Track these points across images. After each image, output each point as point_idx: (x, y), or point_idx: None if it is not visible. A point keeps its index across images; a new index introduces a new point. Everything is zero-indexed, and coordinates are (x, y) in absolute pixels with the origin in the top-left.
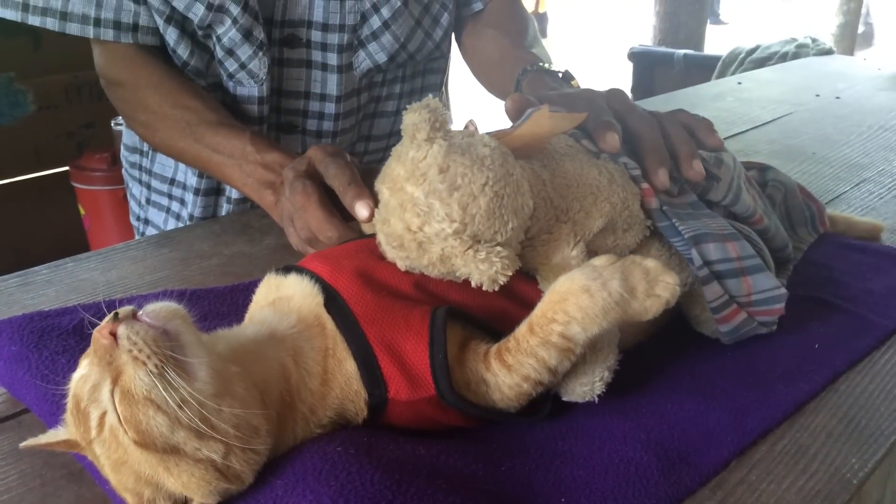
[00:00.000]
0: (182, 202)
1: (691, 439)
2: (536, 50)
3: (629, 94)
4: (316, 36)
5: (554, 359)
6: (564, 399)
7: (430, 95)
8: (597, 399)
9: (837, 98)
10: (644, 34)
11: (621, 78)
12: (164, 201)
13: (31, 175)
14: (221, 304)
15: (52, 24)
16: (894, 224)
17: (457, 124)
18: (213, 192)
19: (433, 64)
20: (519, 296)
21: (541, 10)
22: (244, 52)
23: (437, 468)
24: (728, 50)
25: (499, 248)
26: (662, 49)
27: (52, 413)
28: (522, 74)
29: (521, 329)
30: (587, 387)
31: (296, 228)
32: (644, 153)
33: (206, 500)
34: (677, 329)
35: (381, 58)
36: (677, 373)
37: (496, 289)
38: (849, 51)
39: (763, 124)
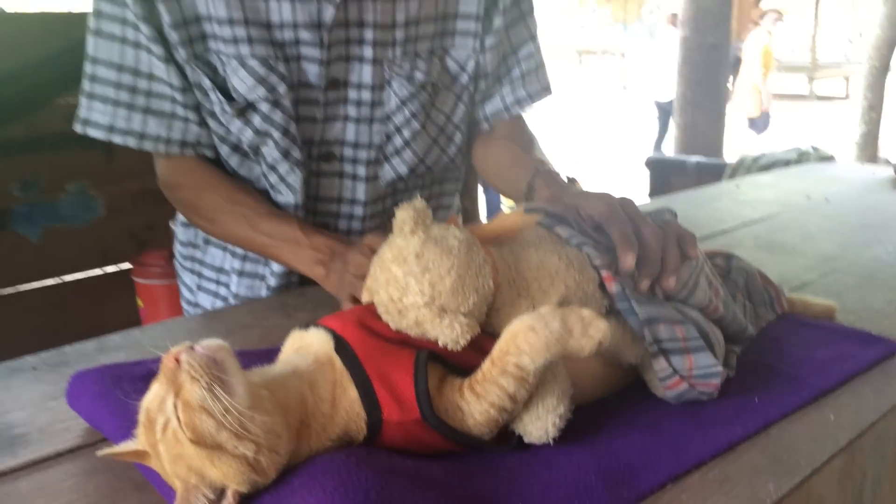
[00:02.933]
0: (227, 287)
1: (634, 466)
2: (539, 157)
3: (647, 198)
4: (348, 152)
5: (512, 386)
6: (525, 441)
7: (418, 197)
8: (552, 441)
9: (826, 200)
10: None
11: (639, 183)
12: (213, 287)
13: (96, 271)
14: (258, 361)
15: (131, 142)
16: (855, 309)
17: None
18: (255, 276)
19: (449, 174)
20: (486, 350)
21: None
22: (283, 167)
23: (419, 474)
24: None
25: (461, 317)
26: (676, 157)
27: (124, 438)
28: (534, 176)
29: (486, 363)
30: (542, 431)
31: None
32: (643, 259)
33: (239, 488)
34: (636, 382)
35: (403, 170)
36: (630, 415)
37: (458, 349)
38: (872, 158)
39: (751, 222)
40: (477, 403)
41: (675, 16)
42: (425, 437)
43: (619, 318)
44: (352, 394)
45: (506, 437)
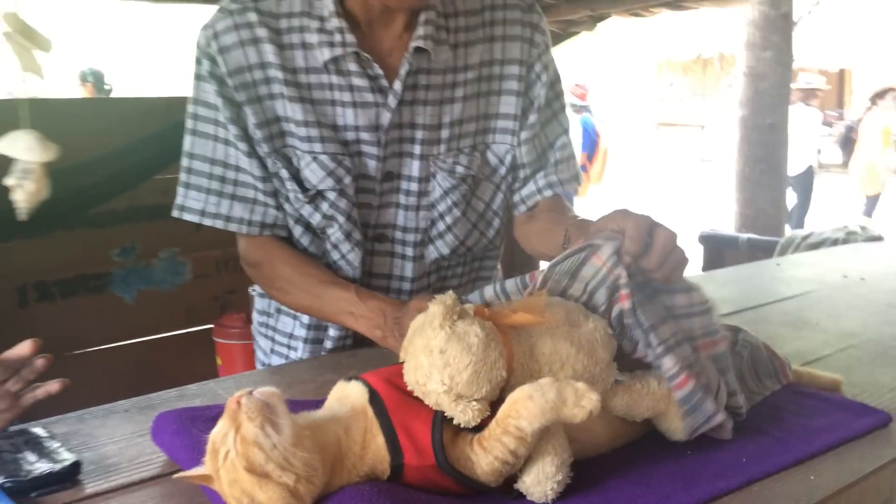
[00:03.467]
0: (296, 351)
1: None
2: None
3: (700, 272)
4: (398, 235)
5: (513, 444)
6: (528, 499)
7: (450, 293)
8: (550, 497)
9: (862, 279)
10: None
11: (693, 257)
12: (284, 350)
13: (181, 331)
14: (307, 409)
15: (219, 224)
16: (862, 382)
17: None
18: (317, 341)
19: (488, 253)
20: (494, 412)
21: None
22: (345, 247)
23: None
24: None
25: (474, 403)
26: (728, 233)
27: (196, 467)
28: (569, 227)
29: (492, 423)
30: (541, 494)
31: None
32: (653, 251)
33: None
34: (635, 442)
35: (445, 251)
36: (625, 468)
37: (470, 427)
38: None
39: (783, 299)
40: (484, 456)
41: (807, 91)
42: (439, 481)
43: (634, 376)
44: (379, 440)
45: (509, 485)
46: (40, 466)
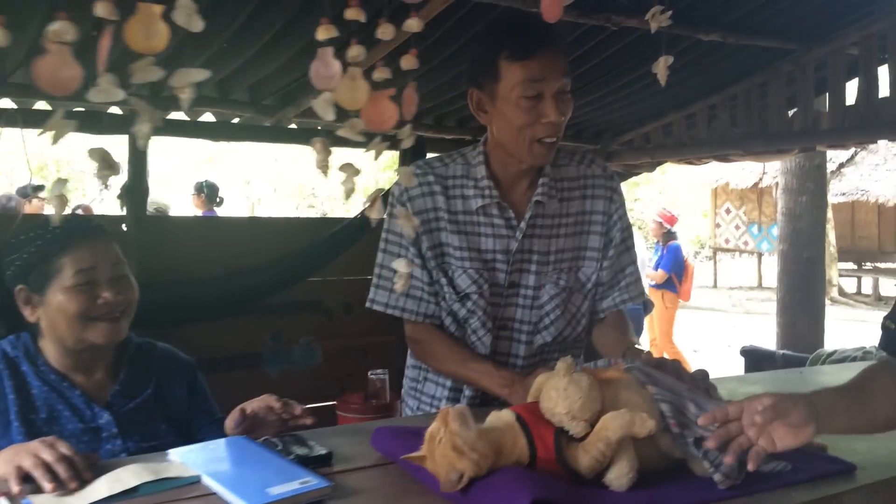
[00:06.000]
0: (437, 408)
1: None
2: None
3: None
4: (516, 326)
5: (603, 448)
6: (610, 486)
7: (570, 357)
8: (625, 487)
9: None
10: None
11: (735, 368)
12: (427, 408)
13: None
14: None
15: (396, 313)
16: (843, 449)
17: None
18: (455, 400)
19: (576, 343)
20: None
21: None
22: (481, 332)
23: (555, 478)
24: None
25: (583, 422)
26: (766, 348)
27: (404, 461)
28: (625, 351)
29: (591, 435)
30: (619, 484)
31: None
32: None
33: (468, 475)
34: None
35: (548, 339)
36: (665, 476)
37: (578, 437)
38: None
39: None
40: (585, 456)
41: None
42: (557, 471)
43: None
44: (522, 441)
45: (598, 479)
46: (300, 451)
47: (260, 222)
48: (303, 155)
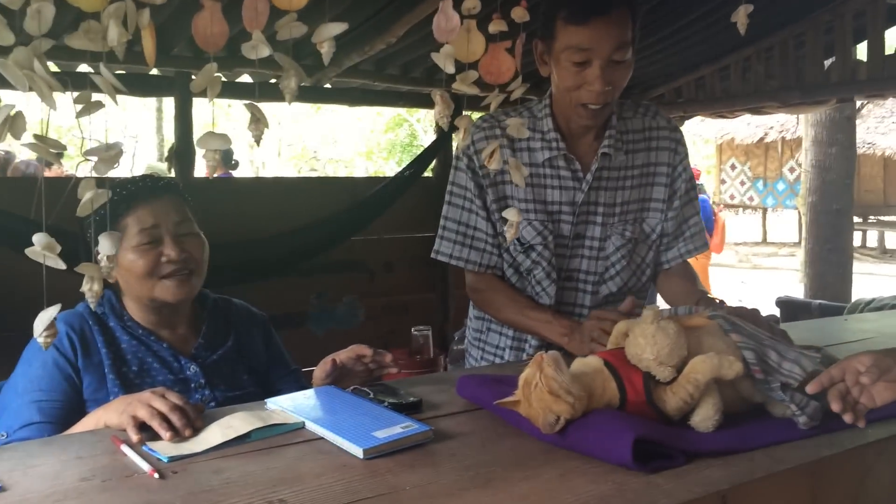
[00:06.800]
0: (501, 358)
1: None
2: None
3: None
4: (581, 276)
5: (691, 389)
6: (695, 428)
7: (654, 305)
8: (711, 429)
9: None
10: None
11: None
12: (491, 357)
13: None
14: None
15: (460, 264)
16: None
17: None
18: (519, 349)
19: (641, 293)
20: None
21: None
22: (546, 283)
23: (644, 419)
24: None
25: (669, 368)
26: (801, 298)
27: (494, 407)
28: (699, 301)
29: (680, 377)
30: (704, 426)
31: (587, 337)
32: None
33: (565, 416)
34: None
35: (613, 289)
36: (738, 419)
37: (666, 381)
38: None
39: (847, 342)
40: (673, 398)
41: None
42: (646, 412)
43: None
44: (613, 385)
45: (684, 421)
46: (392, 399)
47: (313, 182)
48: (306, 117)
